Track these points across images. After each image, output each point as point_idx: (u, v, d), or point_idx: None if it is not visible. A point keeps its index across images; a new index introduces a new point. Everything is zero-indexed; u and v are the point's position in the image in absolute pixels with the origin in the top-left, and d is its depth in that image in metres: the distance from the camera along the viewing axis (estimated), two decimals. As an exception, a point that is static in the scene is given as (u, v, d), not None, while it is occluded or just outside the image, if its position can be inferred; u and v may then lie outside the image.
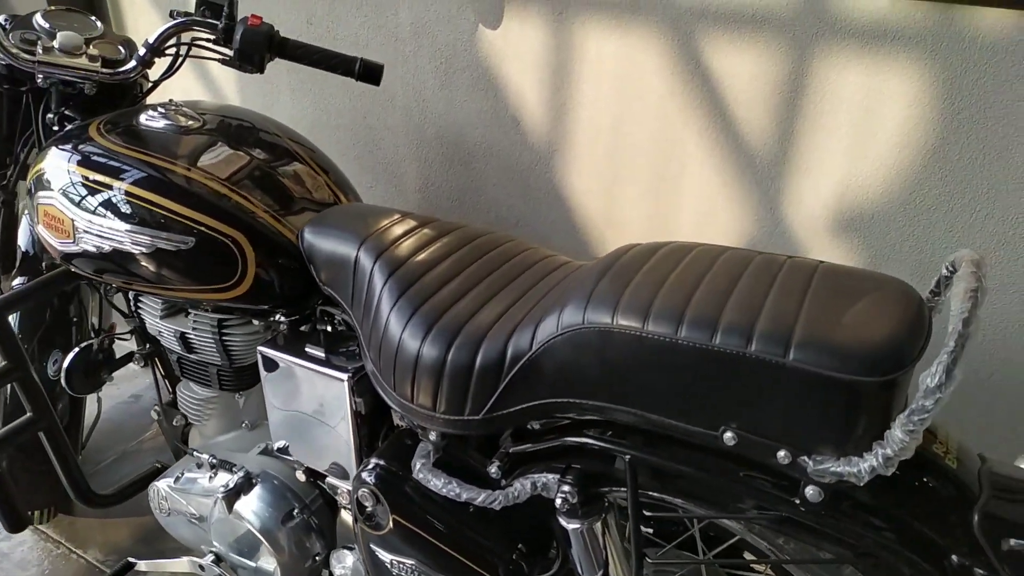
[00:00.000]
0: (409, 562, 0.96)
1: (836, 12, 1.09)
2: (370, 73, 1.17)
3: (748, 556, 0.99)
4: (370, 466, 0.96)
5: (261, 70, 1.16)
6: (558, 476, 0.88)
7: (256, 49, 1.13)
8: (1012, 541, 0.75)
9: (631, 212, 1.38)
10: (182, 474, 1.25)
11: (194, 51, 1.23)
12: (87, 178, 1.05)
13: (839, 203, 1.19)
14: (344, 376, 1.01)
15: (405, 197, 1.64)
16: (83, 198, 1.05)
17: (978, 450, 0.83)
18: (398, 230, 1.03)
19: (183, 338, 1.18)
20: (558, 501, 0.87)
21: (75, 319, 1.47)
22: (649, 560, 0.92)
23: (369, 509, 0.96)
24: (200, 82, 1.83)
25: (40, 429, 1.23)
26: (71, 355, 1.27)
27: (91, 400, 1.54)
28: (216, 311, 1.14)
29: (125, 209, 1.03)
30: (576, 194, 1.43)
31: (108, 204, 1.04)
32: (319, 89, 1.65)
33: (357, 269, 0.99)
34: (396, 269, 0.96)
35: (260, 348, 1.08)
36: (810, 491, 0.78)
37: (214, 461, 1.20)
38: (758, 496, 0.82)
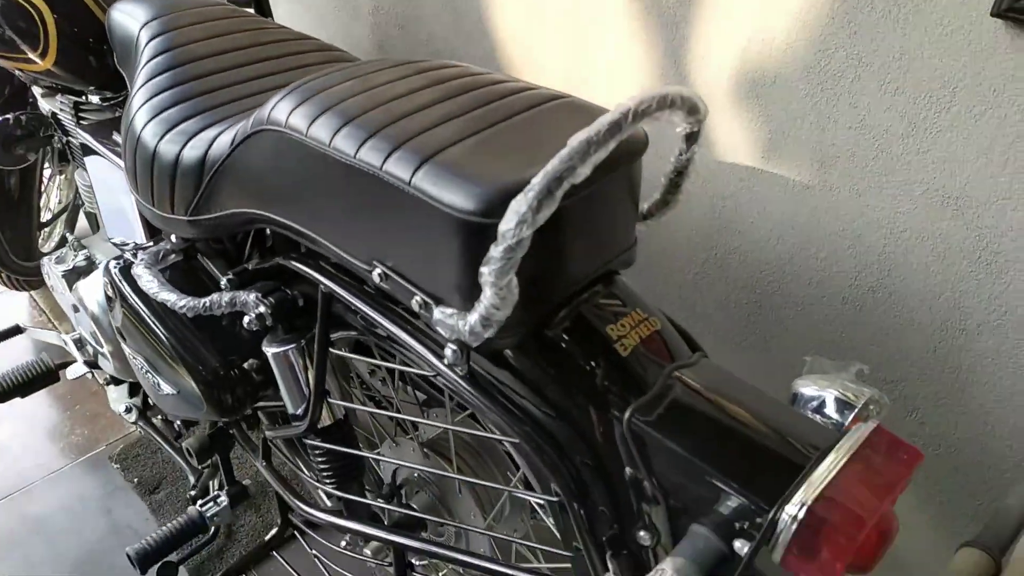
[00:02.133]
0: (139, 359, 0.95)
1: None
2: None
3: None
4: (116, 257, 0.94)
5: None
6: (258, 295, 0.82)
7: None
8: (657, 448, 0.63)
9: (548, 60, 1.22)
10: (64, 254, 1.30)
11: None
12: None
13: (742, 61, 0.98)
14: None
15: (359, 21, 1.54)
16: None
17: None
18: (190, 17, 0.95)
19: (55, 119, 1.20)
20: (246, 319, 0.81)
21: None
22: (331, 401, 0.85)
23: (109, 297, 0.94)
24: None
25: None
26: None
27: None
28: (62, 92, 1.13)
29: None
30: (500, 34, 1.27)
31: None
32: None
33: (136, 49, 0.93)
34: (160, 54, 0.90)
35: (79, 131, 1.07)
36: (447, 349, 0.68)
37: (75, 243, 1.23)
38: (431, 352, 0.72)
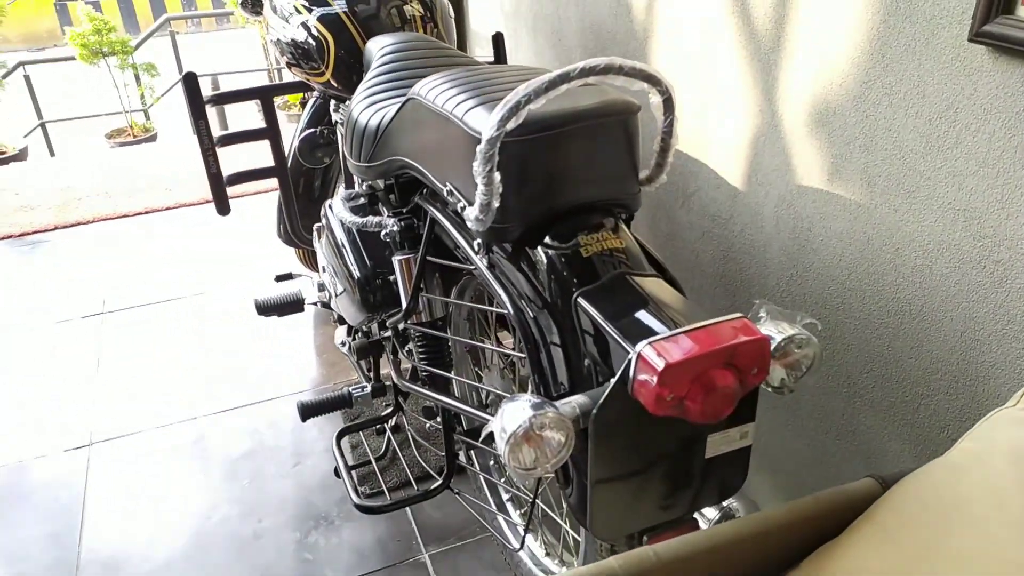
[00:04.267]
0: (328, 268, 1.37)
1: None
2: None
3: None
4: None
5: None
6: (395, 220, 1.19)
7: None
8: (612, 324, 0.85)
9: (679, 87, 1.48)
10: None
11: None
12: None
13: (812, 95, 1.16)
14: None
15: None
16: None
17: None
18: (412, 45, 1.39)
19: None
20: (383, 233, 1.18)
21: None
22: (424, 295, 1.18)
23: (321, 227, 1.39)
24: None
25: (275, 175, 1.92)
26: (301, 136, 1.91)
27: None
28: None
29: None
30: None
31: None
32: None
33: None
34: (383, 64, 1.34)
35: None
36: (475, 243, 0.98)
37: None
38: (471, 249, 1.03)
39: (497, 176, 0.87)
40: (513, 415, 0.77)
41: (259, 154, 1.95)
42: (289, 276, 1.98)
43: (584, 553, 1.06)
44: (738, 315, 0.79)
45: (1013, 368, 0.95)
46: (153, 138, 5.24)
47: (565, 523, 1.26)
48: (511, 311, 0.93)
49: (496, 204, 0.89)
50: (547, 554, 1.35)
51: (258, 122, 1.90)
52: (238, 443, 1.86)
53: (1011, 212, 0.91)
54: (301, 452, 1.81)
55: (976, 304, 0.98)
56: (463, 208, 0.96)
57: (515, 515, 1.44)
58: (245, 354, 2.19)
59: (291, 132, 2.03)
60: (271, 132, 1.85)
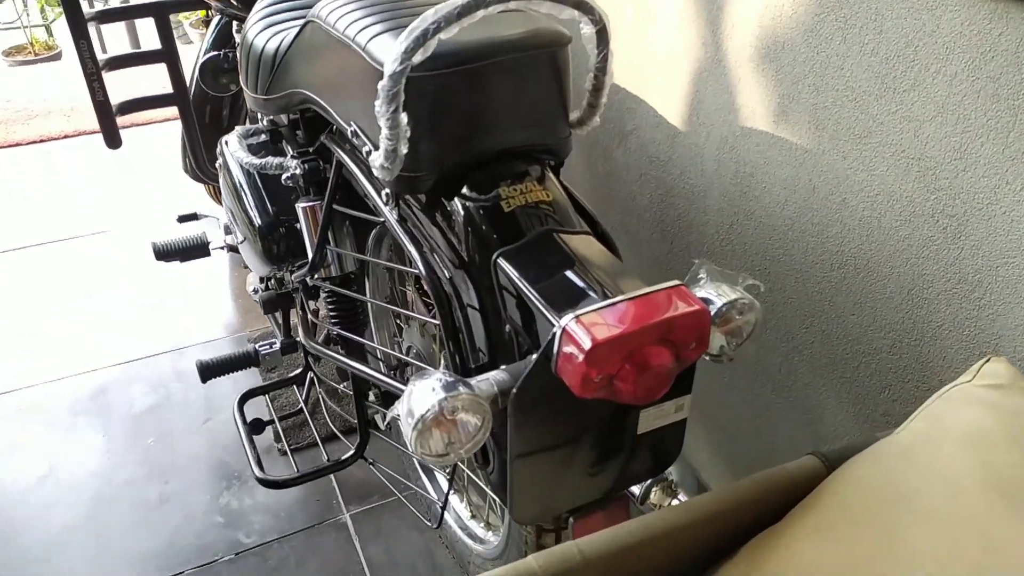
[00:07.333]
0: (229, 213, 1.23)
1: None
2: None
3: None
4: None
5: None
6: (299, 161, 1.06)
7: None
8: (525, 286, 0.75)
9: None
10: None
11: None
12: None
13: (760, 28, 1.06)
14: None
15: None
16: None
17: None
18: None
19: None
20: (283, 176, 1.05)
21: None
22: (330, 248, 1.06)
23: (219, 165, 1.24)
24: None
25: (174, 103, 1.73)
26: (202, 60, 1.72)
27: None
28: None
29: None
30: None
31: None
32: None
33: None
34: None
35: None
36: (383, 193, 0.86)
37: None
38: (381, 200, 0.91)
39: (404, 118, 0.75)
40: (421, 397, 0.68)
41: (164, 79, 1.76)
42: (194, 216, 1.81)
43: (508, 525, 0.99)
44: (675, 282, 0.70)
45: (962, 329, 0.89)
46: (57, 56, 4.81)
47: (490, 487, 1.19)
48: (423, 271, 0.82)
49: (404, 150, 0.77)
50: (472, 516, 1.28)
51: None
52: (143, 398, 1.73)
53: (969, 163, 0.84)
54: (213, 407, 1.69)
55: (926, 260, 0.91)
56: (368, 153, 0.84)
57: (440, 481, 1.36)
58: (152, 299, 2.03)
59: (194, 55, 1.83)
60: (168, 54, 1.66)
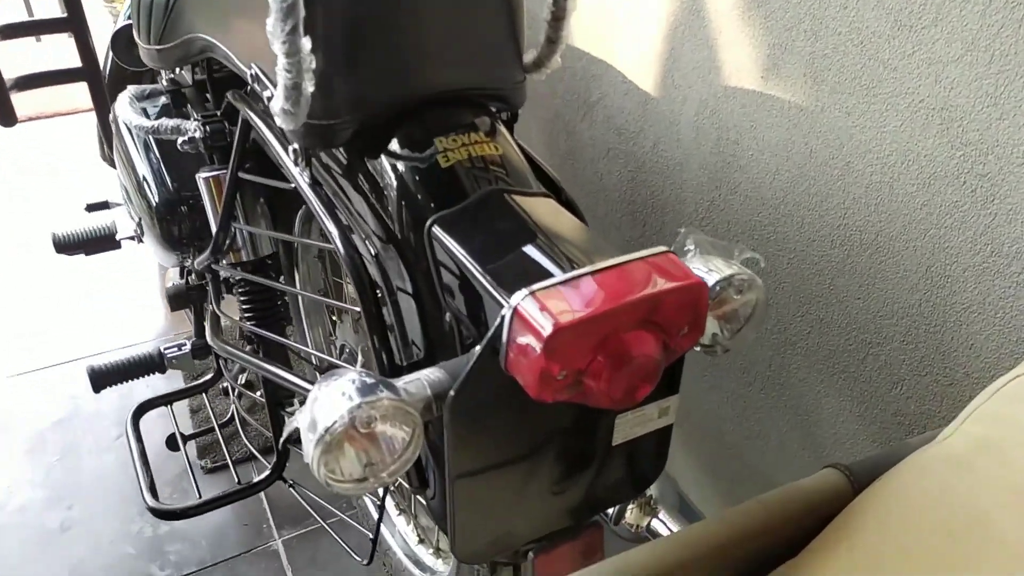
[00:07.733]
0: (124, 191, 1.04)
1: None
2: None
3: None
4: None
5: None
6: (199, 123, 0.88)
7: None
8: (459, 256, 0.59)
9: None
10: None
11: None
12: None
13: (747, -32, 0.91)
14: None
15: None
16: None
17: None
18: None
19: None
20: (180, 140, 0.87)
21: None
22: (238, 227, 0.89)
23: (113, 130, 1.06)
24: None
25: (83, 79, 1.53)
26: (116, 29, 1.53)
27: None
28: None
29: None
30: None
31: None
32: None
33: None
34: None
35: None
36: (290, 149, 0.70)
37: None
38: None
39: (307, 43, 0.57)
40: (328, 403, 0.51)
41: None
42: (104, 205, 1.60)
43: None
44: (661, 248, 0.54)
45: (994, 311, 0.75)
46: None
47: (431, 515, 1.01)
48: (340, 247, 0.65)
49: (310, 88, 0.59)
50: (420, 541, 1.11)
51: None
52: (48, 410, 1.52)
53: (1005, 111, 0.69)
54: (126, 420, 1.49)
55: (949, 231, 0.77)
56: (270, 99, 0.67)
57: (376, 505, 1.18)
58: (63, 298, 1.82)
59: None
60: (74, 23, 1.47)
